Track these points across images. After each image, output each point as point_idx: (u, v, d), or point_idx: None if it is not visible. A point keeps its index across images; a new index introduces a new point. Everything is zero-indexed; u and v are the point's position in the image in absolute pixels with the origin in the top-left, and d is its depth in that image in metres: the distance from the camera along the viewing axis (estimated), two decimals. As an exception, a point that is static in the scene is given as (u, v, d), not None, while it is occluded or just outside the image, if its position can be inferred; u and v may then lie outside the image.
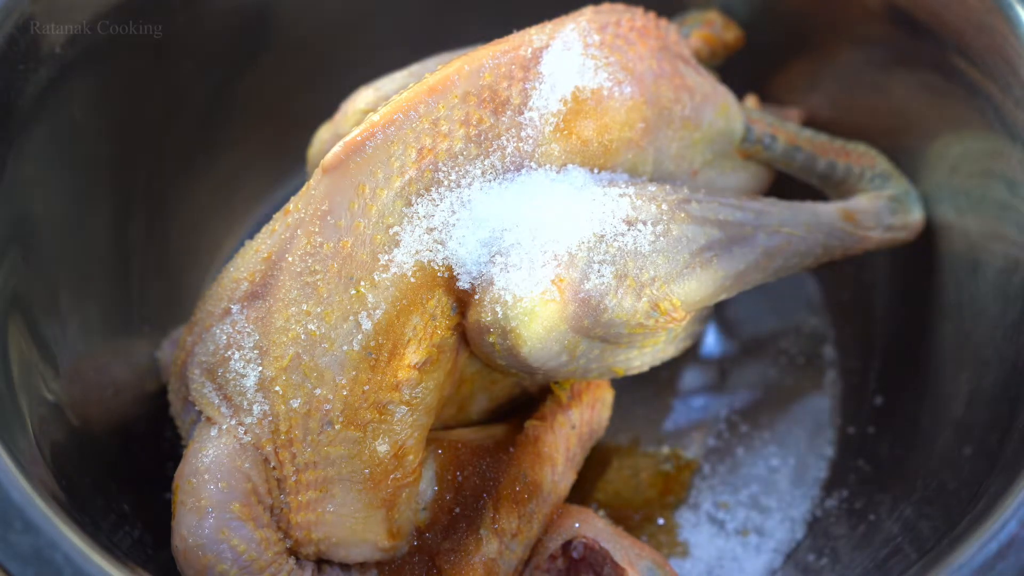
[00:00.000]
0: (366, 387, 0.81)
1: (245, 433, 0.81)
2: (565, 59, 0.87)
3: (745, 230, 0.90)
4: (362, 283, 0.81)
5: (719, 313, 1.17)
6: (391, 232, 0.82)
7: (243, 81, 1.15)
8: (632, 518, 1.05)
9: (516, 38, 0.88)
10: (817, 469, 1.08)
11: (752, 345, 1.16)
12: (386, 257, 0.81)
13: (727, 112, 0.96)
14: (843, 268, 1.07)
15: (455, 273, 0.83)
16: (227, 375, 0.82)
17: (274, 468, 0.81)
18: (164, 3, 1.02)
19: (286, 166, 1.21)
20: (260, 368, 0.81)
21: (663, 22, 0.96)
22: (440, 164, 0.83)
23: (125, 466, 0.97)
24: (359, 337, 0.81)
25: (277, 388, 0.81)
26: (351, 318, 0.81)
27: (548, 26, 0.90)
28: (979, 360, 0.92)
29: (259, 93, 1.17)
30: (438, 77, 0.85)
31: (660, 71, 0.91)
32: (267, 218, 0.86)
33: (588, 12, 0.93)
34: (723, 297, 0.91)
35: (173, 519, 0.79)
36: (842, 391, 1.12)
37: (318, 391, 0.81)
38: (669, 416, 1.12)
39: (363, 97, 0.99)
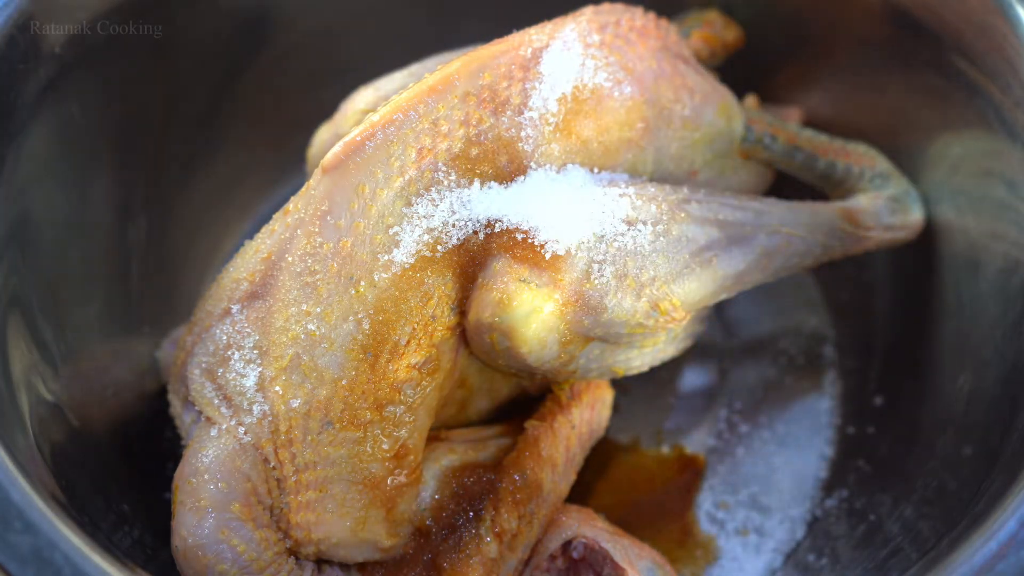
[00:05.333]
0: (366, 387, 0.81)
1: (245, 433, 0.81)
2: (565, 59, 0.87)
3: (745, 230, 0.90)
4: (362, 283, 0.81)
5: (719, 313, 1.17)
6: (391, 232, 0.82)
7: (243, 81, 1.15)
8: (633, 518, 1.05)
9: (516, 38, 0.88)
10: (817, 469, 1.08)
11: (752, 345, 1.16)
12: (386, 257, 0.81)
13: (727, 112, 0.96)
14: (843, 268, 1.07)
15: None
16: (227, 375, 0.82)
17: (274, 468, 0.81)
18: (164, 3, 1.02)
19: (286, 166, 1.21)
20: (260, 368, 0.81)
21: (663, 22, 0.96)
22: (440, 164, 0.83)
23: (125, 466, 0.97)
24: (359, 337, 0.81)
25: (277, 388, 0.81)
26: (351, 318, 0.81)
27: (548, 26, 0.90)
28: (979, 360, 0.92)
29: (259, 93, 1.17)
30: (438, 77, 0.85)
31: (660, 71, 0.91)
32: (267, 218, 0.86)
33: (588, 12, 0.93)
34: (723, 297, 0.91)
35: (173, 519, 0.79)
36: (842, 391, 1.12)
37: (318, 391, 0.81)
38: (669, 416, 1.12)
39: (363, 97, 0.99)
